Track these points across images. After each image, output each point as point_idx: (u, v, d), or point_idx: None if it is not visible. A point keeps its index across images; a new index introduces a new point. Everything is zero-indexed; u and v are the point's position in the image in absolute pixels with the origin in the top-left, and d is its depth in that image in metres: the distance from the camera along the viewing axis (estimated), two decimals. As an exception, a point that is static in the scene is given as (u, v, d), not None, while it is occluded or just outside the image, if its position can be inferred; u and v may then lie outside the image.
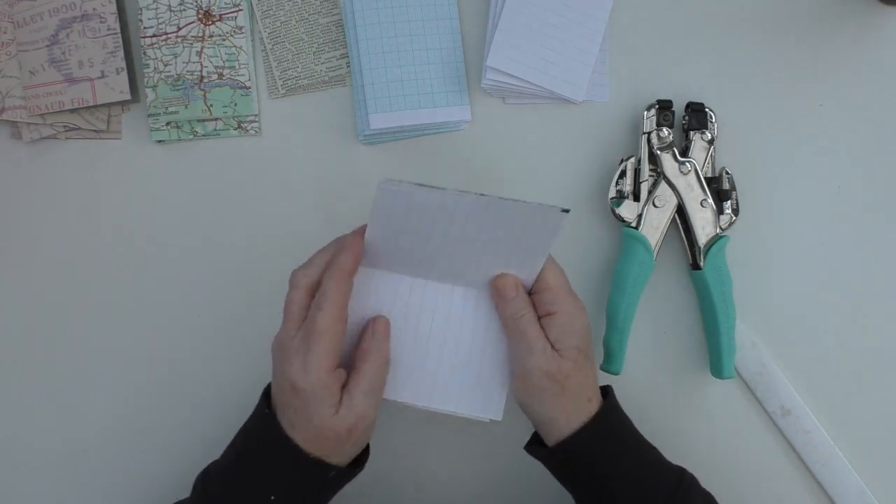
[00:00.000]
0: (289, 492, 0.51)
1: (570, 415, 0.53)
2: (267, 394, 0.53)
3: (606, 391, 0.56)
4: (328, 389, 0.49)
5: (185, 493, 0.54)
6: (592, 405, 0.53)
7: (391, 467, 0.65)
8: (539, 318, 0.53)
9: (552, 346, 0.52)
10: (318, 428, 0.49)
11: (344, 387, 0.50)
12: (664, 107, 0.63)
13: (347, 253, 0.50)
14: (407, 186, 0.47)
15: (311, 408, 0.49)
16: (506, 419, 0.54)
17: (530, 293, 0.54)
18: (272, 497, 0.50)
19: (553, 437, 0.53)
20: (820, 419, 0.64)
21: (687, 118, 0.64)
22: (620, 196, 0.63)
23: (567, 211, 0.48)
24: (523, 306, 0.53)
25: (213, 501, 0.52)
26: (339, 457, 0.51)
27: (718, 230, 0.62)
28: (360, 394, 0.50)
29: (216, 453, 0.54)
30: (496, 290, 0.53)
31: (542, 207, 0.48)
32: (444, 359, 0.54)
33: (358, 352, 0.52)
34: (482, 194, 0.48)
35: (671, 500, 0.53)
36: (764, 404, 0.64)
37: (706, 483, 0.56)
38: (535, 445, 0.56)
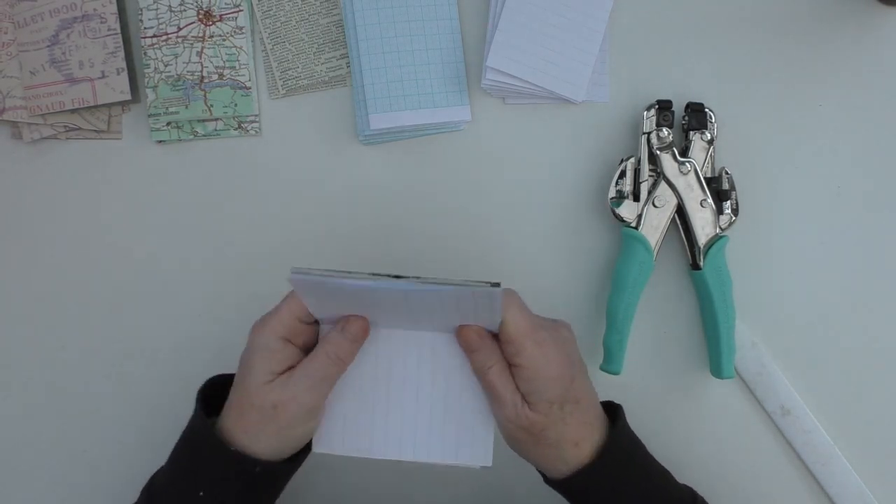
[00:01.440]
0: (216, 486, 0.50)
1: (555, 462, 0.50)
2: (202, 393, 0.52)
3: (615, 412, 0.53)
4: (270, 351, 0.48)
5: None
6: (583, 449, 0.50)
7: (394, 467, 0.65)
8: (511, 366, 0.49)
9: (525, 398, 0.48)
10: (247, 393, 0.48)
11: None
12: (664, 107, 0.63)
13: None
14: (316, 276, 0.44)
15: (251, 365, 0.48)
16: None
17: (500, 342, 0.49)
18: (200, 493, 0.49)
19: (552, 472, 0.51)
20: (819, 419, 0.64)
21: (687, 118, 0.64)
22: (620, 196, 0.63)
23: (498, 285, 0.44)
24: (489, 357, 0.49)
25: (152, 500, 0.52)
26: (265, 444, 0.49)
27: (718, 230, 0.62)
28: (299, 375, 0.48)
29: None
30: (460, 342, 0.50)
31: (468, 289, 0.44)
32: (422, 407, 0.51)
33: (322, 337, 0.50)
34: (397, 276, 0.45)
35: None
36: (764, 404, 0.64)
37: (706, 484, 0.56)
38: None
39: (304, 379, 0.48)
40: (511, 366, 0.49)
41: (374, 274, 0.45)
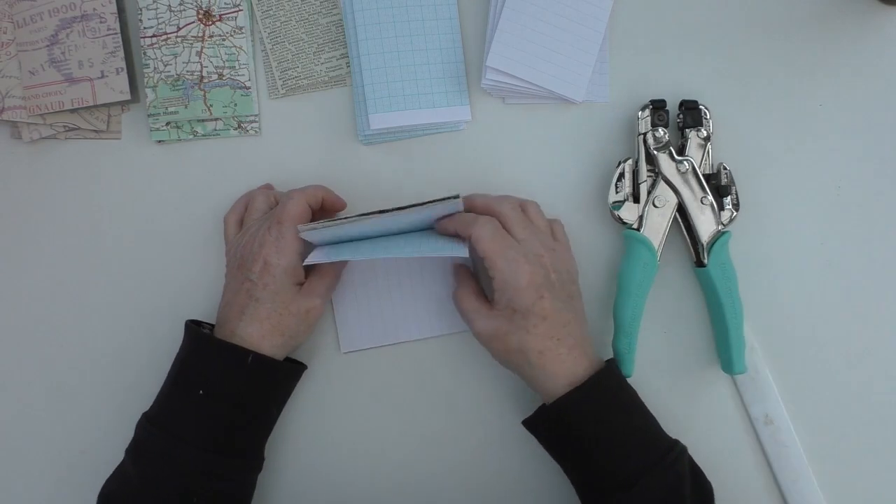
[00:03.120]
0: (213, 381, 0.56)
1: (525, 368, 0.56)
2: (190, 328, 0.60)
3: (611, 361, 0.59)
4: (296, 268, 0.58)
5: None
6: (549, 359, 0.55)
7: (398, 466, 0.65)
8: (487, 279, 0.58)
9: (494, 306, 0.57)
10: (283, 306, 0.58)
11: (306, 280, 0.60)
12: (658, 106, 0.63)
13: (320, 190, 0.61)
14: (321, 227, 0.57)
15: (280, 284, 0.57)
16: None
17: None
18: (200, 391, 0.56)
19: (539, 394, 0.57)
20: (800, 433, 0.63)
21: (682, 116, 0.64)
22: (620, 198, 0.63)
23: (457, 196, 0.56)
24: (461, 280, 0.61)
25: (150, 419, 0.58)
26: (282, 348, 0.59)
27: (720, 226, 0.62)
28: (318, 284, 0.60)
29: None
30: (439, 229, 0.60)
31: (435, 203, 0.56)
32: (417, 297, 0.65)
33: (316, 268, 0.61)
34: (381, 211, 0.56)
35: (655, 467, 0.53)
36: (749, 409, 0.64)
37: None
38: (530, 420, 0.59)
39: (324, 288, 0.60)
40: (486, 279, 0.58)
41: (362, 214, 0.56)
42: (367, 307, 0.65)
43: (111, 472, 0.58)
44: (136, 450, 0.57)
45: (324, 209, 0.62)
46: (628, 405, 0.57)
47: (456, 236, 0.59)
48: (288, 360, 0.61)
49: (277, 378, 0.60)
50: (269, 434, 0.61)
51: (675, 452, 0.55)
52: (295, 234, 0.57)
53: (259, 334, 0.57)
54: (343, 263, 0.64)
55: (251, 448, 0.60)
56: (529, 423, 0.59)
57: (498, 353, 0.58)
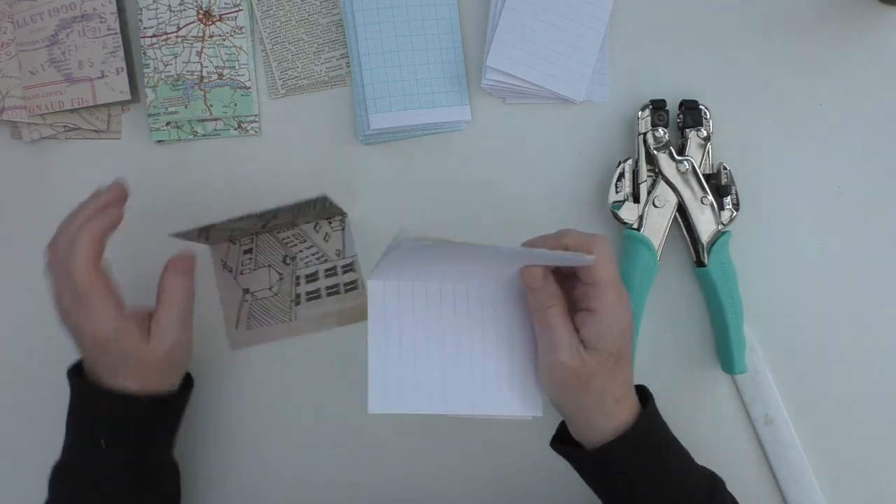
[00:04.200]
0: (114, 430, 0.53)
1: (595, 416, 0.51)
2: (74, 370, 0.56)
3: (644, 393, 0.54)
4: (128, 328, 0.52)
5: (185, 494, 0.54)
6: (621, 407, 0.51)
7: (399, 467, 0.65)
8: (578, 310, 0.51)
9: (584, 344, 0.50)
10: (138, 363, 0.52)
11: (151, 320, 0.54)
12: (658, 106, 0.63)
13: (103, 219, 0.53)
14: (424, 242, 0.45)
15: (122, 349, 0.52)
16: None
17: (577, 283, 0.51)
18: (102, 442, 0.53)
19: (587, 437, 0.52)
20: (800, 433, 0.63)
21: (682, 116, 0.64)
22: (620, 199, 0.63)
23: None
24: (550, 297, 0.50)
25: (60, 478, 0.54)
26: (168, 385, 0.55)
27: (720, 226, 0.62)
28: (167, 320, 0.53)
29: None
30: (523, 281, 0.51)
31: (564, 255, 0.49)
32: (475, 361, 0.52)
33: (158, 286, 0.55)
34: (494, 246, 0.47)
35: None
36: (749, 409, 0.64)
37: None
38: (565, 445, 0.54)
39: (175, 322, 0.54)
40: (578, 310, 0.50)
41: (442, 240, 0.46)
42: (413, 362, 0.52)
43: None
44: None
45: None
46: (670, 441, 0.54)
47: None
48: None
49: (176, 407, 0.58)
50: (174, 443, 0.59)
51: (718, 485, 0.53)
52: (102, 287, 0.51)
53: (140, 383, 0.53)
54: (191, 275, 0.56)
55: (162, 464, 0.57)
56: (566, 452, 0.54)
57: (567, 390, 0.51)
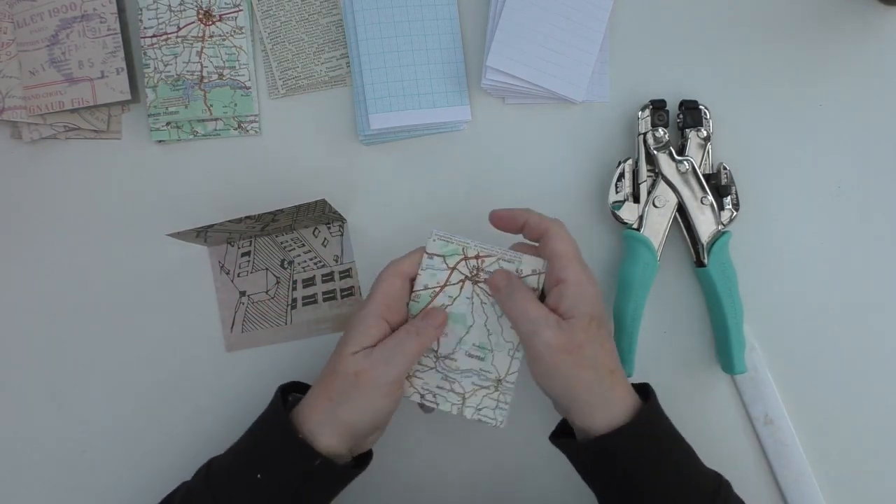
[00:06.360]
0: (275, 470, 0.51)
1: (593, 390, 0.51)
2: (282, 389, 0.55)
3: (647, 389, 0.54)
4: (365, 324, 0.52)
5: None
6: (617, 379, 0.51)
7: (401, 467, 0.65)
8: (551, 290, 0.52)
9: (563, 316, 0.51)
10: (336, 360, 0.52)
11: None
12: (658, 106, 0.63)
13: (408, 261, 0.55)
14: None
15: (345, 339, 0.52)
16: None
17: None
18: (258, 475, 0.51)
19: (589, 424, 0.51)
20: (800, 433, 0.63)
21: (681, 116, 0.64)
22: (620, 199, 0.63)
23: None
24: (516, 289, 0.52)
25: (209, 478, 0.53)
26: (330, 435, 0.51)
27: (720, 226, 0.62)
28: (381, 350, 0.52)
29: (207, 454, 0.55)
30: (489, 286, 0.54)
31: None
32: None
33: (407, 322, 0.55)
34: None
35: None
36: (749, 409, 0.64)
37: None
38: (564, 438, 0.54)
39: (385, 355, 0.52)
40: (553, 286, 0.52)
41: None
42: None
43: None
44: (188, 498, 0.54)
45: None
46: (674, 437, 0.54)
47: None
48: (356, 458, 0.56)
49: (338, 483, 0.55)
50: None
51: (723, 486, 0.53)
52: (380, 298, 0.53)
53: (337, 440, 0.52)
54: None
55: None
56: (564, 445, 0.54)
57: (560, 371, 0.51)
